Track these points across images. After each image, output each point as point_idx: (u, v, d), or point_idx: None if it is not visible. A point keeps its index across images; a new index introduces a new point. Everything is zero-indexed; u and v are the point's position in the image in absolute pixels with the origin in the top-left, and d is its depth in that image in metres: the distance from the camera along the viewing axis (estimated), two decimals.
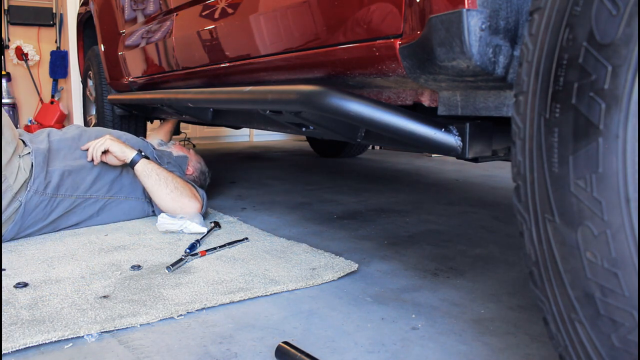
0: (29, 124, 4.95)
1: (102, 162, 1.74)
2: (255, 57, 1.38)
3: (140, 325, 1.03)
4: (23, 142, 1.64)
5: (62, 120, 5.00)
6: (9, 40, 4.92)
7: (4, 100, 4.81)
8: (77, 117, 4.59)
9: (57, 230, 1.68)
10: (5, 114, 1.58)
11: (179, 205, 1.70)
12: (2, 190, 1.51)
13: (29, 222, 1.59)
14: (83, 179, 1.70)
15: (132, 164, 1.71)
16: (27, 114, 5.08)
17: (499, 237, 1.66)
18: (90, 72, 3.07)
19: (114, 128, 2.72)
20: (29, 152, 1.61)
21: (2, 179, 1.51)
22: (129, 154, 1.71)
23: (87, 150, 1.73)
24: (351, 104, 0.91)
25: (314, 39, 1.13)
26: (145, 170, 1.71)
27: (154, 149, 1.99)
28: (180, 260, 1.36)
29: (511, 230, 1.75)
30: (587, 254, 0.53)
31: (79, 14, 3.31)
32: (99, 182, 1.74)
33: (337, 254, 1.43)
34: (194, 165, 2.06)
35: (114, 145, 1.70)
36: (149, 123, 3.15)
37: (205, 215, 1.83)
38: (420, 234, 1.70)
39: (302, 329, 1.02)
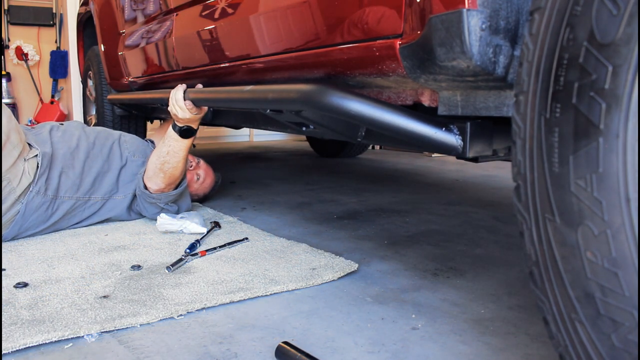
0: (29, 123, 4.95)
1: (101, 164, 1.76)
2: (256, 57, 1.38)
3: (140, 325, 1.03)
4: (29, 144, 1.64)
5: (62, 121, 5.00)
6: (9, 40, 4.91)
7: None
8: (77, 117, 4.59)
9: (57, 231, 1.69)
10: (12, 117, 1.58)
11: (154, 181, 1.73)
12: (6, 193, 1.51)
13: (30, 224, 1.59)
14: (83, 180, 1.70)
15: (173, 127, 1.71)
16: (27, 114, 5.08)
17: (499, 237, 1.66)
18: (90, 72, 3.07)
19: (114, 128, 2.72)
20: (36, 155, 1.61)
21: (6, 182, 1.51)
22: (177, 118, 1.68)
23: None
24: (352, 102, 0.91)
25: (314, 39, 1.13)
26: (169, 139, 1.71)
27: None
28: (180, 260, 1.35)
29: (511, 230, 1.75)
30: (587, 254, 0.53)
31: (79, 14, 3.30)
32: (98, 183, 1.74)
33: (337, 254, 1.43)
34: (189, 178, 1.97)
35: (177, 109, 1.67)
36: (149, 123, 3.15)
37: (198, 208, 1.83)
38: (420, 234, 1.70)
39: (302, 329, 1.02)
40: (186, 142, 1.71)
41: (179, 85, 1.67)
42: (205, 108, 1.69)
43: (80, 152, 1.73)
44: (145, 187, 1.74)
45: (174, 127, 1.70)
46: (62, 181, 1.65)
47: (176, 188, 1.77)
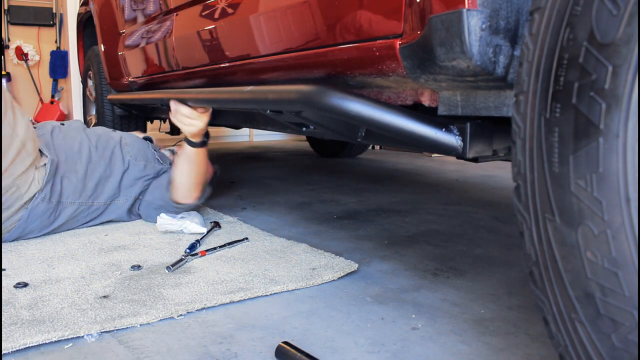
0: None
1: (104, 169, 1.75)
2: (256, 57, 1.38)
3: (140, 325, 1.03)
4: (40, 151, 1.63)
5: (62, 121, 5.00)
6: (9, 40, 4.91)
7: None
8: (77, 117, 4.59)
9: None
10: (30, 125, 1.57)
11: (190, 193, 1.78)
12: (14, 199, 1.52)
13: (32, 228, 1.59)
14: (85, 185, 1.70)
15: (191, 144, 1.75)
16: (27, 114, 5.07)
17: (499, 237, 1.66)
18: (90, 72, 3.07)
19: (114, 128, 2.71)
20: (45, 164, 1.61)
21: (15, 188, 1.51)
22: (194, 134, 1.72)
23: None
24: (351, 103, 0.91)
25: (314, 39, 1.13)
26: (193, 155, 1.76)
27: (156, 150, 1.97)
28: (180, 260, 1.35)
29: (511, 230, 1.75)
30: (587, 254, 0.53)
31: (79, 14, 3.31)
32: (101, 188, 1.73)
33: (337, 254, 1.43)
34: None
35: (191, 123, 1.71)
36: (149, 123, 3.15)
37: (198, 208, 1.83)
38: (420, 234, 1.70)
39: (302, 329, 1.02)
40: (205, 148, 1.78)
41: (172, 103, 1.68)
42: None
43: (82, 156, 1.72)
44: (176, 202, 1.78)
45: (192, 144, 1.74)
46: (64, 185, 1.64)
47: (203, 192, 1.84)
